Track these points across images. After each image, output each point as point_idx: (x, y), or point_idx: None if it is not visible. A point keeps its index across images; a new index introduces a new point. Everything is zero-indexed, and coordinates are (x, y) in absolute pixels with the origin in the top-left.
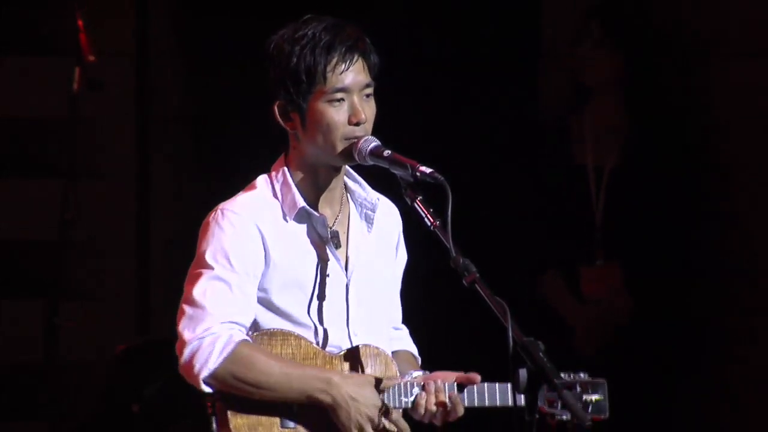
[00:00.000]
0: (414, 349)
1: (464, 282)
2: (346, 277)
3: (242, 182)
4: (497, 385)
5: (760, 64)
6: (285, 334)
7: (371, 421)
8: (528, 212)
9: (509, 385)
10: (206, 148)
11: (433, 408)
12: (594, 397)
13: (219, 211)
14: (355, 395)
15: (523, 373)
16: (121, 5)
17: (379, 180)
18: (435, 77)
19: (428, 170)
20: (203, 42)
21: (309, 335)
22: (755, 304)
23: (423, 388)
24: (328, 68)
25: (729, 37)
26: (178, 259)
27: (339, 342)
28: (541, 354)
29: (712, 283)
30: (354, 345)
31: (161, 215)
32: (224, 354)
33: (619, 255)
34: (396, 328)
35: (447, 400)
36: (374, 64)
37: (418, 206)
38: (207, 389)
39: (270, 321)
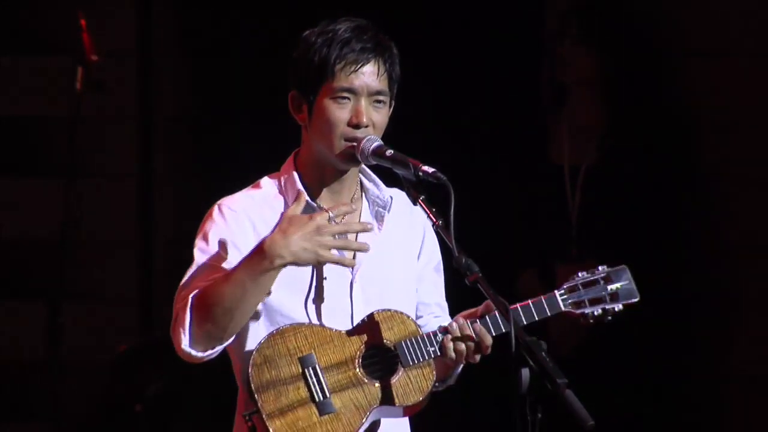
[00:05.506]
0: None
1: (467, 281)
2: (351, 274)
3: (243, 182)
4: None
5: (737, 64)
6: (295, 328)
7: (317, 239)
8: (505, 210)
9: (519, 307)
10: (208, 147)
11: (462, 346)
12: (618, 285)
13: (216, 206)
14: (285, 235)
15: (525, 372)
16: (123, 5)
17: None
18: (415, 76)
19: (431, 170)
20: (205, 42)
21: None
22: (733, 302)
23: (445, 331)
24: (338, 65)
25: (708, 37)
26: (179, 259)
27: None
28: (543, 354)
29: (688, 279)
30: (363, 317)
31: (163, 214)
32: (186, 318)
33: (594, 252)
34: (436, 316)
35: (473, 334)
36: (392, 73)
37: (421, 206)
38: (198, 354)
39: (269, 318)
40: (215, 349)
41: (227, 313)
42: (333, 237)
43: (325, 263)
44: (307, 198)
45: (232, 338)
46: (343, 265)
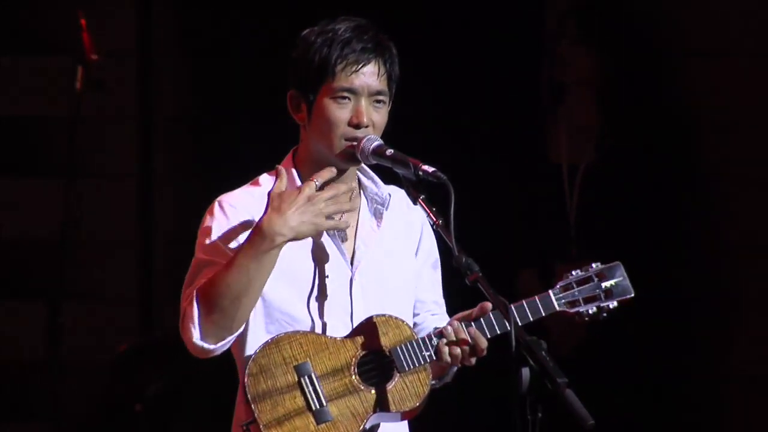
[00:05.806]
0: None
1: (467, 281)
2: (351, 272)
3: (243, 181)
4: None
5: (737, 64)
6: (290, 336)
7: (311, 209)
8: (504, 210)
9: (512, 307)
10: (208, 147)
11: (457, 350)
12: (612, 282)
13: (216, 202)
14: (280, 212)
15: (525, 372)
16: (123, 5)
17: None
18: (415, 76)
19: (431, 169)
20: (205, 42)
21: (308, 329)
22: (733, 302)
23: (441, 335)
24: (339, 65)
25: (708, 37)
26: (180, 259)
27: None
28: (543, 353)
29: (688, 279)
30: (359, 322)
31: (163, 214)
32: (194, 312)
33: (593, 252)
34: (433, 314)
35: (468, 337)
36: (392, 73)
37: (421, 205)
38: (210, 346)
39: (267, 316)
40: (226, 340)
41: (235, 300)
42: (325, 204)
43: (324, 230)
44: (294, 171)
45: (242, 327)
46: (340, 229)
